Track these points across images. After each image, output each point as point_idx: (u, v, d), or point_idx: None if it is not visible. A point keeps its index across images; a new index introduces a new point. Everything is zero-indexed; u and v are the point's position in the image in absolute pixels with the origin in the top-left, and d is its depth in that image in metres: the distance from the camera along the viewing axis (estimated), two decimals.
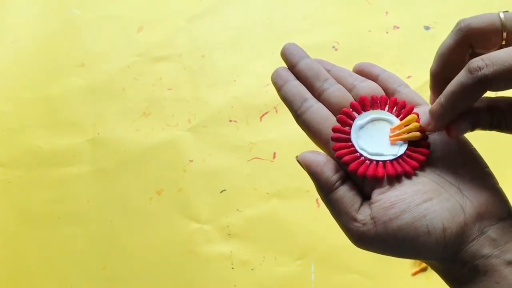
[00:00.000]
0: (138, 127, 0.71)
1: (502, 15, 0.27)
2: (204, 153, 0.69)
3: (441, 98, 0.27)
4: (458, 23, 0.28)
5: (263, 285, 0.62)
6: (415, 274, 0.60)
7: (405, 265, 0.60)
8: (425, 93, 0.32)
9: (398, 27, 0.74)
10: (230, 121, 0.71)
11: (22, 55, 0.78)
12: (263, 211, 0.65)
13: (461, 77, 0.26)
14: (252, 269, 0.63)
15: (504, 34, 0.27)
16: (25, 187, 0.70)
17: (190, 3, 0.79)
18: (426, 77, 0.31)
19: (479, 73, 0.25)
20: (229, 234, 0.65)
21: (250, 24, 0.77)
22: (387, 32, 0.73)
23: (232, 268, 0.63)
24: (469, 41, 0.28)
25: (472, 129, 0.28)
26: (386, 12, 0.75)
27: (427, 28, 0.73)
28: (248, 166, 0.68)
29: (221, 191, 0.67)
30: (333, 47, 0.73)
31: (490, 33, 0.27)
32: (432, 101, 0.31)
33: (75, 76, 0.76)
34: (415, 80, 0.68)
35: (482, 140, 0.33)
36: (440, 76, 0.29)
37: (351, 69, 0.34)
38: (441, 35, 0.72)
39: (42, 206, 0.69)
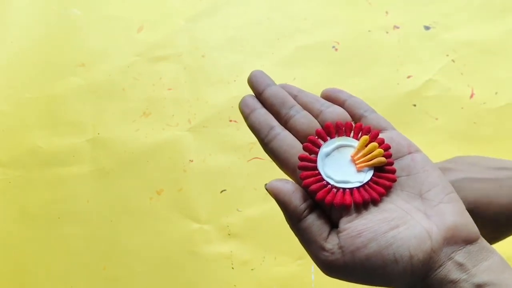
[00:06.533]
0: (138, 127, 0.71)
1: None
2: (204, 153, 0.69)
3: None
4: None
5: (263, 285, 0.62)
6: None
7: None
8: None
9: (398, 27, 0.74)
10: (230, 121, 0.71)
11: (22, 55, 0.78)
12: (263, 211, 0.65)
13: None
14: (252, 269, 0.63)
15: None
16: (25, 187, 0.70)
17: (190, 3, 0.79)
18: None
19: None
20: (229, 234, 0.65)
21: (250, 24, 0.77)
22: (387, 32, 0.73)
23: (232, 268, 0.63)
24: None
25: None
26: (386, 12, 0.75)
27: (427, 28, 0.73)
28: (248, 166, 0.68)
29: (221, 191, 0.67)
30: (333, 47, 0.73)
31: None
32: None
33: (75, 76, 0.76)
34: (415, 80, 0.67)
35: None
36: None
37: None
38: (441, 35, 0.73)
39: (42, 206, 0.68)
